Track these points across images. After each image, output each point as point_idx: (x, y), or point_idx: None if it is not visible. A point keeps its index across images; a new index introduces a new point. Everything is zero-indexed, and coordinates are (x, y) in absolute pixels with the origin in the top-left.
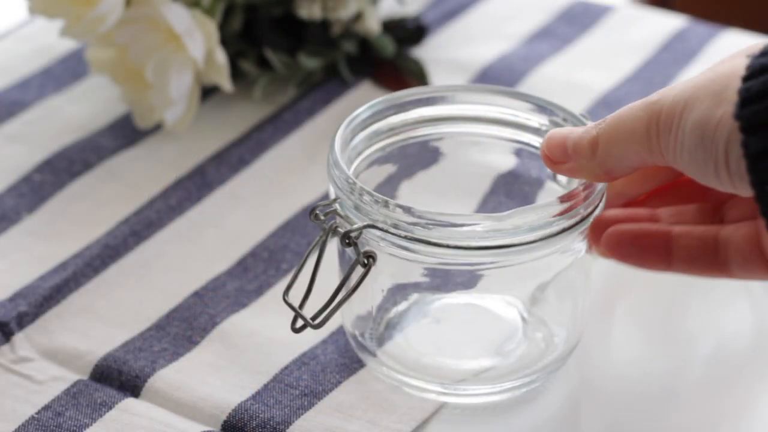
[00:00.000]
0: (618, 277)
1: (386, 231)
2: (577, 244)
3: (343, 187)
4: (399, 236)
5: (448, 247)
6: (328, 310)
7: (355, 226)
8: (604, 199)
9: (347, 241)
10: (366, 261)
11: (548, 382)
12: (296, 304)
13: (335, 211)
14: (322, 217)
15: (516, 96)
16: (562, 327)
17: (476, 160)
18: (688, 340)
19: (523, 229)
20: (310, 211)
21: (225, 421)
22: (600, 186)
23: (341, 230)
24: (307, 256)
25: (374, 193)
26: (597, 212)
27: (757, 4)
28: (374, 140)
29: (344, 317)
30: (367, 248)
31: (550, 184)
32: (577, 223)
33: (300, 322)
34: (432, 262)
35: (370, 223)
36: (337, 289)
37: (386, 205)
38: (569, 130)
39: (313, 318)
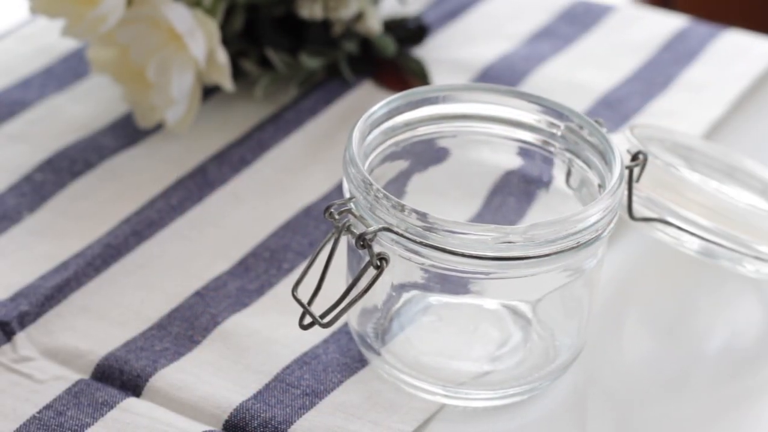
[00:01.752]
0: (628, 273)
1: (401, 235)
2: (588, 260)
3: (359, 187)
4: (413, 241)
5: (461, 255)
6: (338, 310)
7: (371, 229)
8: (616, 218)
9: (362, 243)
10: (379, 263)
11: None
12: (304, 300)
13: (349, 210)
14: (337, 216)
15: (531, 99)
16: (566, 335)
17: (485, 158)
18: (697, 337)
19: (535, 243)
20: (325, 209)
21: (226, 421)
22: (614, 205)
23: (356, 231)
24: (318, 253)
25: (390, 196)
26: (610, 229)
27: (757, 4)
28: (389, 136)
29: (350, 314)
30: (380, 250)
31: (554, 186)
32: (589, 241)
33: (308, 319)
34: (443, 267)
35: (386, 226)
36: (348, 289)
37: (402, 209)
38: None
39: (322, 316)
